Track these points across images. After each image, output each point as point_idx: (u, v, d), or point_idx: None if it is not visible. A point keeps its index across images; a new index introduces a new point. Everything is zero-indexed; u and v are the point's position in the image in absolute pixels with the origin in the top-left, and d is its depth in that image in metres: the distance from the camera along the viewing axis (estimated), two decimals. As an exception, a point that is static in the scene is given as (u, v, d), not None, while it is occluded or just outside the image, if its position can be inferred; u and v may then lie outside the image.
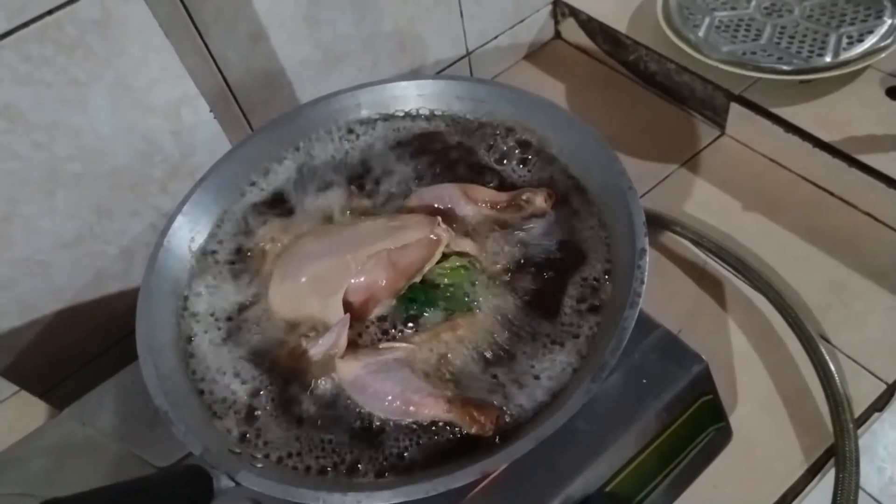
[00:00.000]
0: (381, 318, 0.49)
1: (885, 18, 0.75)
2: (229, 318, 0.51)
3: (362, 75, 0.80)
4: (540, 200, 0.52)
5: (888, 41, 0.73)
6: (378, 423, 0.45)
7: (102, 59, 0.53)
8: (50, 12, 0.49)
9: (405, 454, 0.43)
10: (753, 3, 0.82)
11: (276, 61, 0.72)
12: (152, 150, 0.60)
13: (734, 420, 0.54)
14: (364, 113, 0.62)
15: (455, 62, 0.89)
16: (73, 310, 0.64)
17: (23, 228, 0.57)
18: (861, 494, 0.50)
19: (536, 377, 0.45)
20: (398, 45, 0.81)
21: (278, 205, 0.58)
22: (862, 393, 0.59)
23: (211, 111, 0.62)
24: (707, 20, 0.81)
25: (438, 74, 0.87)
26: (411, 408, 0.44)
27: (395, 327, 0.49)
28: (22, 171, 0.54)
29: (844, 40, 0.75)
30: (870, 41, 0.74)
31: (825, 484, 0.56)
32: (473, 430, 0.42)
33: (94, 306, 0.65)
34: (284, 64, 0.72)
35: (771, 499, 0.55)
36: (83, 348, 0.67)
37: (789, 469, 0.56)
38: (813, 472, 0.56)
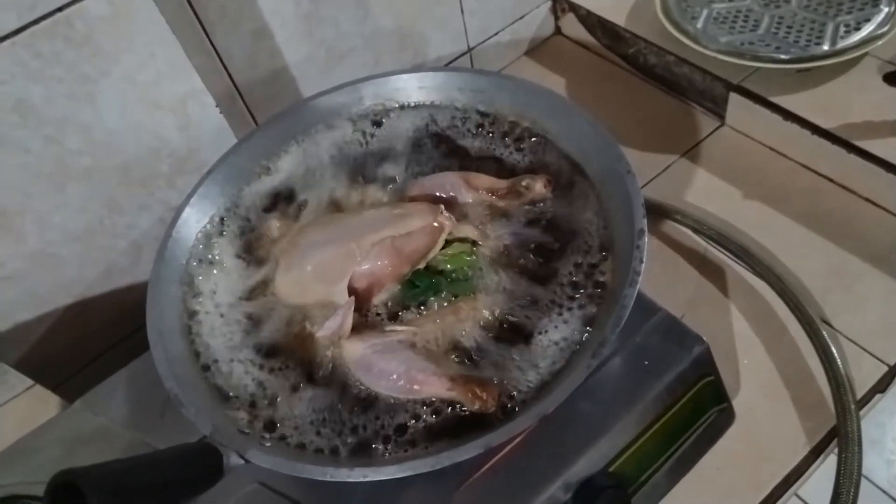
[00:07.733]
0: (386, 304, 0.50)
1: (882, 6, 0.76)
2: (237, 306, 0.52)
3: (364, 72, 0.80)
4: (539, 186, 0.53)
5: (885, 28, 0.74)
6: (383, 402, 0.45)
7: (110, 54, 0.54)
8: (60, 9, 0.50)
9: (410, 432, 0.44)
10: (751, -5, 0.83)
11: (280, 58, 0.73)
12: (160, 145, 0.61)
13: (737, 403, 0.55)
14: (367, 105, 0.63)
15: (456, 58, 0.90)
16: (83, 303, 0.65)
17: (35, 222, 0.58)
18: (870, 486, 0.50)
19: (538, 356, 0.46)
20: (400, 41, 0.82)
21: (284, 196, 0.59)
22: (863, 375, 0.59)
23: (217, 106, 0.63)
24: (705, 12, 0.82)
25: (440, 67, 0.88)
26: (415, 386, 0.44)
27: (399, 312, 0.50)
28: (34, 166, 0.55)
29: (842, 28, 0.75)
30: (867, 29, 0.74)
31: (828, 465, 0.56)
32: (476, 407, 0.43)
33: (104, 300, 0.66)
34: (288, 61, 0.74)
35: (774, 480, 0.56)
36: (93, 341, 0.68)
37: (792, 451, 0.57)
38: (816, 453, 0.57)
